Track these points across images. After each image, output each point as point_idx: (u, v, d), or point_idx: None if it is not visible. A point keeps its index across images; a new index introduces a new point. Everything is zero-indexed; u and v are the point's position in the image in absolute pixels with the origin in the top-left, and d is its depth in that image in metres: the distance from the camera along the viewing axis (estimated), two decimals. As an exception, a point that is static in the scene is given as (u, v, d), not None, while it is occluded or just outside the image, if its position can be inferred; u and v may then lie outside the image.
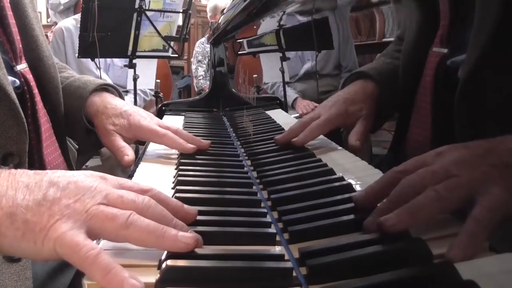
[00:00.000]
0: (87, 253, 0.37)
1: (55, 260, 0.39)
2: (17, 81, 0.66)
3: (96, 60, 2.16)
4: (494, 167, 0.40)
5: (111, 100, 0.79)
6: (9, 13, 0.66)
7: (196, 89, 3.99)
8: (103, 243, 0.42)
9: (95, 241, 0.43)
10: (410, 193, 0.42)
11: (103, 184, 0.43)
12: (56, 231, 0.38)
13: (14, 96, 0.59)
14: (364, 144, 0.73)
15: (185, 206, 0.46)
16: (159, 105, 1.35)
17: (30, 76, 0.69)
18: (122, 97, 0.85)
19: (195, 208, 0.47)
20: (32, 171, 0.44)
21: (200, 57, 3.93)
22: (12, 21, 0.66)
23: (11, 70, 0.65)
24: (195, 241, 0.39)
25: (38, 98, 0.69)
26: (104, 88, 0.82)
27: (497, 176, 0.40)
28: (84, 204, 0.40)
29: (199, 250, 0.40)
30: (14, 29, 0.66)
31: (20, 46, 0.68)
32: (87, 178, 0.43)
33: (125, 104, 0.79)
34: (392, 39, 1.16)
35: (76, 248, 0.37)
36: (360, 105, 0.76)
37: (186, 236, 0.39)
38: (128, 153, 0.72)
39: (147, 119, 0.78)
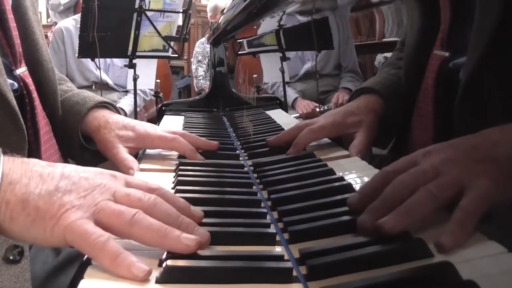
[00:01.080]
0: (96, 240, 0.38)
1: (63, 246, 0.42)
2: (16, 84, 0.66)
3: (96, 60, 2.16)
4: (479, 162, 0.43)
5: (111, 115, 0.79)
6: (10, 16, 0.66)
7: (196, 89, 3.99)
8: None
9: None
10: (402, 192, 0.43)
11: (112, 182, 0.45)
12: (66, 219, 0.40)
13: (14, 103, 0.60)
14: (365, 154, 0.73)
15: (192, 207, 0.47)
16: (159, 105, 1.35)
17: (29, 80, 0.68)
18: (120, 114, 0.85)
19: (201, 211, 0.47)
20: (45, 162, 0.45)
21: (200, 57, 3.92)
22: (13, 24, 0.66)
23: (11, 74, 0.65)
24: (196, 243, 0.39)
25: (37, 101, 0.69)
26: (103, 105, 0.82)
27: (483, 170, 0.42)
28: (93, 198, 0.42)
29: (199, 251, 0.40)
30: (15, 33, 0.66)
31: (20, 50, 0.68)
32: (97, 176, 0.45)
33: (126, 118, 0.79)
34: (391, 39, 1.16)
35: (86, 235, 0.39)
36: (360, 117, 0.76)
37: (188, 238, 0.40)
38: (133, 166, 0.70)
39: (152, 128, 0.78)
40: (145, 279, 0.37)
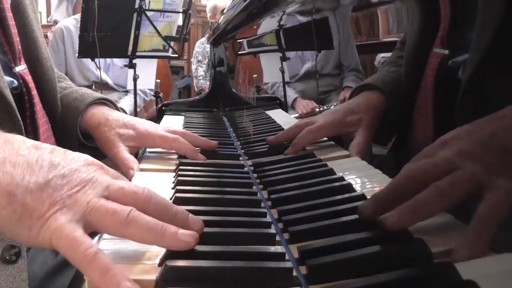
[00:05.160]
0: (85, 251, 0.35)
1: (47, 248, 0.39)
2: (15, 81, 0.66)
3: (96, 59, 2.16)
4: (498, 154, 0.39)
5: (111, 112, 0.78)
6: (9, 14, 0.66)
7: (196, 89, 3.99)
8: (102, 243, 0.42)
9: (96, 238, 0.43)
10: (409, 184, 0.42)
11: (104, 175, 0.43)
12: (55, 222, 0.37)
13: (11, 99, 0.59)
14: (365, 154, 0.73)
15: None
16: (159, 105, 1.35)
17: (29, 78, 0.68)
18: (119, 111, 0.84)
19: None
20: (31, 142, 0.42)
21: (200, 57, 3.93)
22: (12, 22, 0.66)
23: (10, 71, 0.65)
24: (195, 239, 0.39)
25: (36, 99, 0.69)
26: (102, 102, 0.81)
27: (502, 165, 0.38)
28: (85, 195, 0.39)
29: (199, 248, 0.40)
30: (14, 31, 0.66)
31: (20, 47, 0.68)
32: (88, 168, 0.42)
33: (126, 116, 0.79)
34: (393, 39, 1.16)
35: (75, 244, 0.36)
36: (360, 115, 0.76)
37: (186, 234, 0.39)
38: (134, 166, 0.69)
39: (152, 127, 0.77)
40: None
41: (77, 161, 0.42)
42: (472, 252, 0.36)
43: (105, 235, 0.43)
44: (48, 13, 4.46)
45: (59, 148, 0.43)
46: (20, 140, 0.42)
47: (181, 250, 0.38)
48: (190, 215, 0.42)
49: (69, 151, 0.44)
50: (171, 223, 0.40)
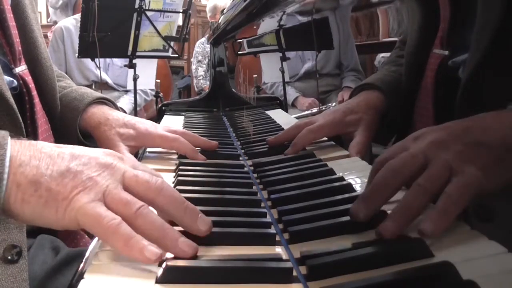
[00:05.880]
0: (109, 223, 0.39)
1: (74, 229, 0.42)
2: (15, 81, 0.65)
3: (96, 59, 2.16)
4: (469, 146, 0.42)
5: (111, 112, 0.78)
6: (9, 15, 0.66)
7: (196, 89, 3.99)
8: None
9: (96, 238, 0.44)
10: (392, 178, 0.44)
11: (121, 163, 0.45)
12: (79, 201, 0.40)
13: (12, 101, 0.59)
14: (365, 154, 0.73)
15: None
16: (159, 105, 1.36)
17: (29, 78, 0.68)
18: (119, 110, 0.84)
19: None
20: (52, 144, 0.46)
21: (200, 57, 3.92)
22: (12, 23, 0.66)
23: (10, 72, 0.65)
24: (193, 250, 0.40)
25: (36, 99, 0.69)
26: (102, 101, 0.81)
27: (472, 156, 0.42)
28: (105, 179, 0.42)
29: (200, 251, 0.40)
30: (14, 32, 0.66)
31: (20, 48, 0.68)
32: (106, 156, 0.45)
33: (126, 115, 0.78)
34: (393, 39, 1.16)
35: (99, 218, 0.39)
36: (360, 115, 0.76)
37: (186, 244, 0.40)
38: None
39: (152, 126, 0.77)
40: (156, 262, 0.38)
41: (96, 152, 0.46)
42: (436, 227, 0.38)
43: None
44: (48, 13, 4.45)
45: (80, 146, 0.47)
46: (42, 143, 0.45)
47: (178, 257, 0.39)
48: (201, 214, 0.43)
49: (89, 148, 0.47)
50: (180, 218, 0.43)
